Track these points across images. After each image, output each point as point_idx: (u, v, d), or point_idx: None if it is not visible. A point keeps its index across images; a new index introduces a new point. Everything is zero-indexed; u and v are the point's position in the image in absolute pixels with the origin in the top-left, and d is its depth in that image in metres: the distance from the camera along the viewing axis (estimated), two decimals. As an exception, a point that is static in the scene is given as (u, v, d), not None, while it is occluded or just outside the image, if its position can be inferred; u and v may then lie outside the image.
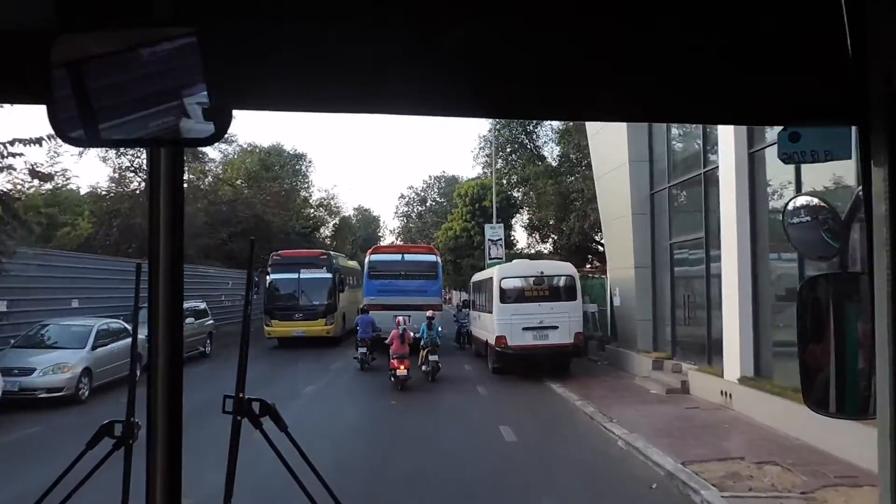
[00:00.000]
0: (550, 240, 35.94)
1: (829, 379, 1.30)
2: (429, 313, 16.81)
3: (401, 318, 17.36)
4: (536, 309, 16.15)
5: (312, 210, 47.18)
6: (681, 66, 1.14)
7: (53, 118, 0.88)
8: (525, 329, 16.02)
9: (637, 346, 16.66)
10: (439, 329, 16.72)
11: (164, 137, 0.92)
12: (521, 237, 40.31)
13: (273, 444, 1.56)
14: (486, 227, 30.79)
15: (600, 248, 26.06)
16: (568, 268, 17.89)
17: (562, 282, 16.94)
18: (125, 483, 1.55)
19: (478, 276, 21.91)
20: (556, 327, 16.09)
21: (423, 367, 15.58)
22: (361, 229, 77.53)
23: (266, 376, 14.09)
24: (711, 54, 1.14)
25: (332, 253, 27.35)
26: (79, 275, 19.19)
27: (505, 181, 37.81)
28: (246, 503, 1.76)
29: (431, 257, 23.35)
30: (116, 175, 29.65)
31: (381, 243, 71.87)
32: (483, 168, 42.91)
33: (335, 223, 52.48)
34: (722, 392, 11.73)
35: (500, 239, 29.67)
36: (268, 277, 23.35)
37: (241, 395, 1.55)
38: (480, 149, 41.75)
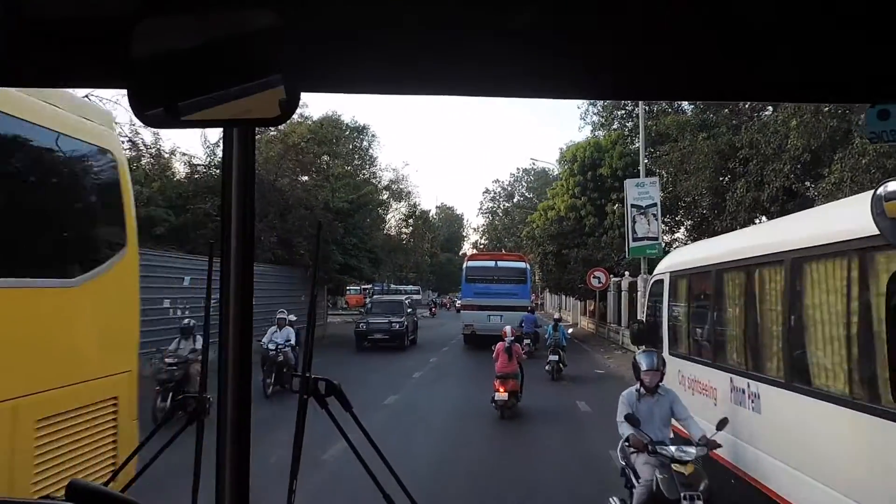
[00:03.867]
0: (684, 227, 26.04)
1: None
2: (556, 315, 18.31)
3: (508, 329, 12.54)
4: None
5: (379, 195, 37.98)
6: (758, 42, 1.05)
7: (133, 100, 0.91)
8: None
9: None
10: (568, 332, 16.40)
11: (236, 117, 0.95)
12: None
13: (338, 423, 1.58)
14: (628, 183, 19.56)
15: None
16: None
17: None
18: (197, 457, 1.64)
19: (750, 241, 6.61)
20: None
21: (546, 367, 15.76)
22: (443, 228, 69.57)
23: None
24: (793, 26, 1.02)
25: None
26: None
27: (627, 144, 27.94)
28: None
29: (521, 264, 25.71)
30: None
31: (466, 243, 64.57)
32: (593, 130, 32.95)
33: (404, 211, 42.71)
34: None
35: (655, 204, 18.40)
36: None
37: (307, 375, 1.59)
38: (591, 104, 31.71)
